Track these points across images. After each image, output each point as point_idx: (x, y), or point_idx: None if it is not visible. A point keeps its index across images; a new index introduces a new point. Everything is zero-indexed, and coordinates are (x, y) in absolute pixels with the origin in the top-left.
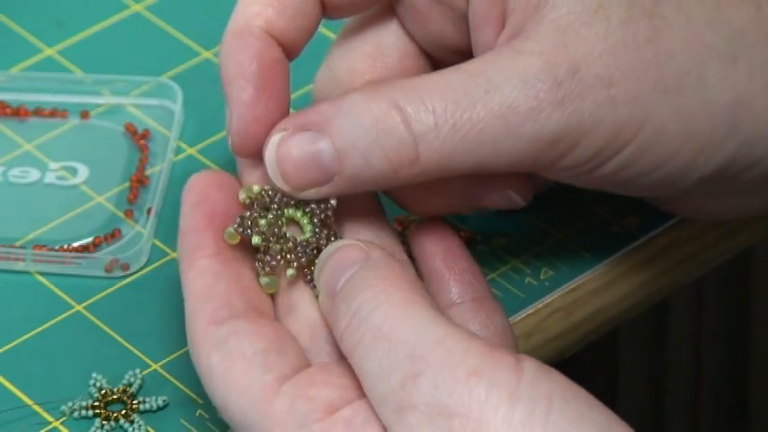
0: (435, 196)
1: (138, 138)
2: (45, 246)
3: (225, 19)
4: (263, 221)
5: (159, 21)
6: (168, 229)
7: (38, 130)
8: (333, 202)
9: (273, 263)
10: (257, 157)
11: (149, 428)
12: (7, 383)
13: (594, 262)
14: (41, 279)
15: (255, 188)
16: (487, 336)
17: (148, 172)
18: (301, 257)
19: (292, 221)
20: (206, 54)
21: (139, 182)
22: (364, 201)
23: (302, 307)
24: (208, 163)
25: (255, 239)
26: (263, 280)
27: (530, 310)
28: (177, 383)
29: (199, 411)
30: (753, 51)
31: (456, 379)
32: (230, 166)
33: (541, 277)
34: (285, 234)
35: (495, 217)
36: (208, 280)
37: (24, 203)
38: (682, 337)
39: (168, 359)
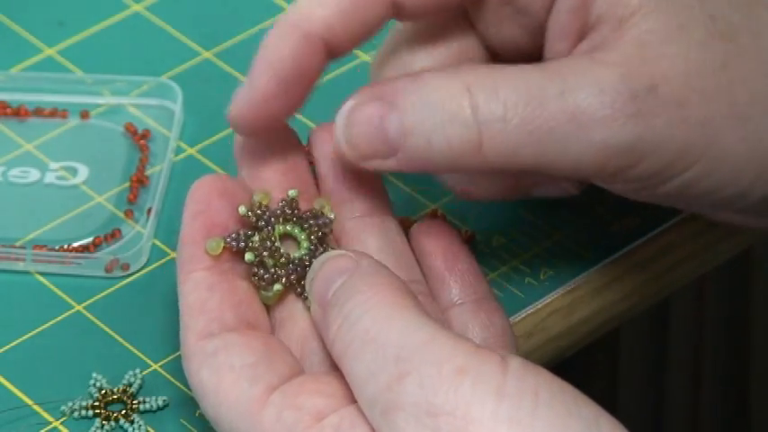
0: (487, 181)
1: (138, 138)
2: (45, 246)
3: (225, 19)
4: (256, 237)
5: (159, 21)
6: (168, 229)
7: (38, 130)
8: (331, 216)
9: (266, 276)
10: (245, 135)
11: (149, 428)
12: (7, 383)
13: (594, 262)
14: (41, 279)
15: (255, 197)
16: (487, 337)
17: (148, 172)
18: (291, 274)
19: (290, 237)
20: (206, 54)
21: (139, 182)
22: (372, 199)
23: (293, 321)
24: (208, 163)
25: (248, 256)
26: (262, 293)
27: (530, 310)
28: (177, 383)
29: (199, 411)
30: None
31: (442, 378)
32: (230, 167)
33: (541, 277)
34: (279, 249)
35: (495, 217)
36: (201, 293)
37: (24, 203)
38: (682, 336)
39: (168, 359)
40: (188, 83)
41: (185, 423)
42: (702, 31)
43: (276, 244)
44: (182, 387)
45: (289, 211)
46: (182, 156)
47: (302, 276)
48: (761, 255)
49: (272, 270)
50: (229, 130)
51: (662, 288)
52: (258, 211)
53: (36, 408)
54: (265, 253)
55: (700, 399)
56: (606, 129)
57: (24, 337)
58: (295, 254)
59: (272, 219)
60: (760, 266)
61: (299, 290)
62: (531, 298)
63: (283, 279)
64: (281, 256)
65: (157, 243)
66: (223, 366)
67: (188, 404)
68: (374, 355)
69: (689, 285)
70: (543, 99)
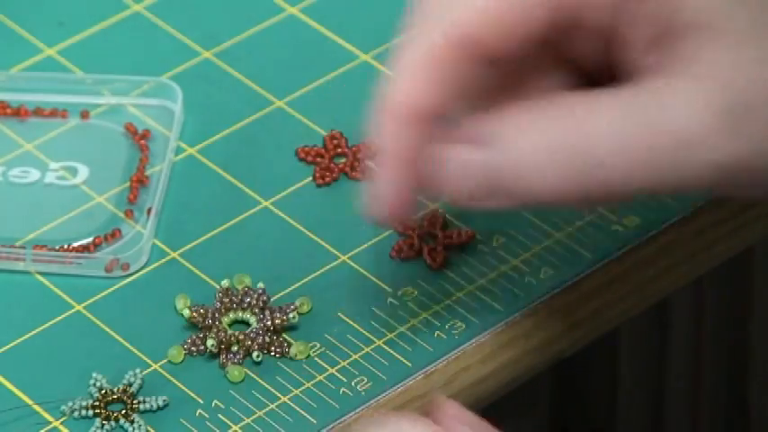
0: None
1: (138, 138)
2: (45, 246)
3: (225, 19)
4: (210, 342)
5: (159, 21)
6: (168, 229)
7: (38, 130)
8: (260, 285)
9: (239, 355)
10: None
11: (149, 428)
12: (7, 383)
13: (594, 262)
14: (41, 279)
15: (186, 312)
16: None
17: (148, 172)
18: (255, 340)
19: (239, 321)
20: (206, 54)
21: (139, 182)
22: None
23: None
24: (208, 163)
25: (210, 342)
26: (233, 373)
27: (530, 309)
28: (177, 383)
29: (199, 411)
30: None
31: None
32: (231, 166)
33: (541, 277)
34: (234, 334)
35: (495, 217)
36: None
37: (24, 203)
38: (682, 337)
39: (168, 359)
40: (188, 83)
41: (185, 423)
42: None
43: (229, 332)
44: (182, 387)
45: (227, 300)
46: (182, 156)
47: (266, 342)
48: (761, 255)
49: (238, 348)
50: (229, 130)
51: (662, 288)
52: (202, 311)
53: (36, 408)
54: (224, 341)
55: (700, 399)
56: (709, 150)
57: (24, 337)
58: (249, 329)
59: (216, 314)
60: (760, 266)
61: (256, 354)
62: (531, 298)
63: (256, 348)
64: (239, 335)
65: (157, 243)
66: None
67: (188, 404)
68: None
69: (689, 285)
70: (646, 122)
